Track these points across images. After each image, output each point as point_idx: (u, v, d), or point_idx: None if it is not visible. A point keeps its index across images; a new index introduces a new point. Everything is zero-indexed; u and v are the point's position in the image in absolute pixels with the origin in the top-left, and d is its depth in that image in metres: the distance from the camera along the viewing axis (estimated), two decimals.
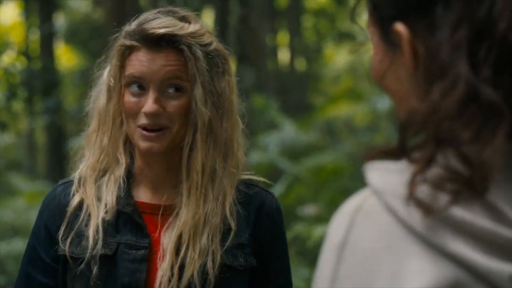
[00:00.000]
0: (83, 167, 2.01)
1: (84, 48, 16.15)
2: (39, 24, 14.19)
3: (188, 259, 1.91)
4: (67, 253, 1.94)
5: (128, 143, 1.99)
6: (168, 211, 1.96)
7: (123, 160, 1.97)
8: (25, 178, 12.30)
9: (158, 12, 1.96)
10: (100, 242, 1.92)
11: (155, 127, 1.90)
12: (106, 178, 1.98)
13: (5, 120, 10.36)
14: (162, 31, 1.90)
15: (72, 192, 2.00)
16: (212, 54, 1.94)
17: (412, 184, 0.94)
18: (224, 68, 1.97)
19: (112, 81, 1.95)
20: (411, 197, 0.94)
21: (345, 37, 18.11)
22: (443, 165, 0.95)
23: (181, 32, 1.91)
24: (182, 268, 1.91)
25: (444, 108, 0.94)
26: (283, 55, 19.29)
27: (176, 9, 1.99)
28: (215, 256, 1.92)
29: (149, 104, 1.89)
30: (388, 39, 1.04)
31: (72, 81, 16.04)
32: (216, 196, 1.95)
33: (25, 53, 14.82)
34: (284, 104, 14.23)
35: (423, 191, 0.94)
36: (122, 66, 1.93)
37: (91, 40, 15.03)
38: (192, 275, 1.90)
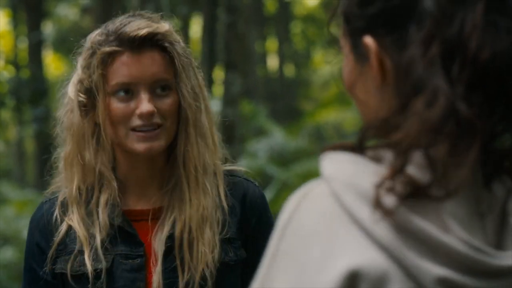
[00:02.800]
0: (66, 191, 1.97)
1: (73, 57, 16.11)
2: (28, 32, 14.16)
3: (199, 254, 1.89)
4: (64, 271, 1.93)
5: (110, 153, 1.94)
6: (157, 214, 1.95)
7: (112, 176, 1.94)
8: (14, 187, 12.25)
9: (128, 16, 1.94)
10: (96, 257, 1.91)
11: (150, 127, 1.88)
12: (94, 200, 1.95)
13: None
14: (144, 31, 1.88)
15: (56, 214, 1.97)
16: (185, 50, 1.96)
17: (379, 187, 0.97)
18: (194, 64, 1.98)
19: (83, 96, 1.94)
20: (376, 202, 0.97)
21: (334, 43, 18.16)
22: (407, 173, 0.97)
23: (161, 31, 1.91)
24: (183, 266, 1.90)
25: (429, 118, 0.97)
26: (272, 61, 19.32)
27: (141, 12, 1.97)
28: (216, 251, 1.91)
29: (144, 104, 1.87)
30: (358, 51, 1.08)
31: (60, 89, 15.99)
32: (212, 189, 1.94)
33: (13, 62, 14.81)
34: (273, 110, 14.26)
35: (385, 195, 0.97)
36: (104, 74, 1.90)
37: (80, 48, 15.00)
38: (203, 270, 1.89)
